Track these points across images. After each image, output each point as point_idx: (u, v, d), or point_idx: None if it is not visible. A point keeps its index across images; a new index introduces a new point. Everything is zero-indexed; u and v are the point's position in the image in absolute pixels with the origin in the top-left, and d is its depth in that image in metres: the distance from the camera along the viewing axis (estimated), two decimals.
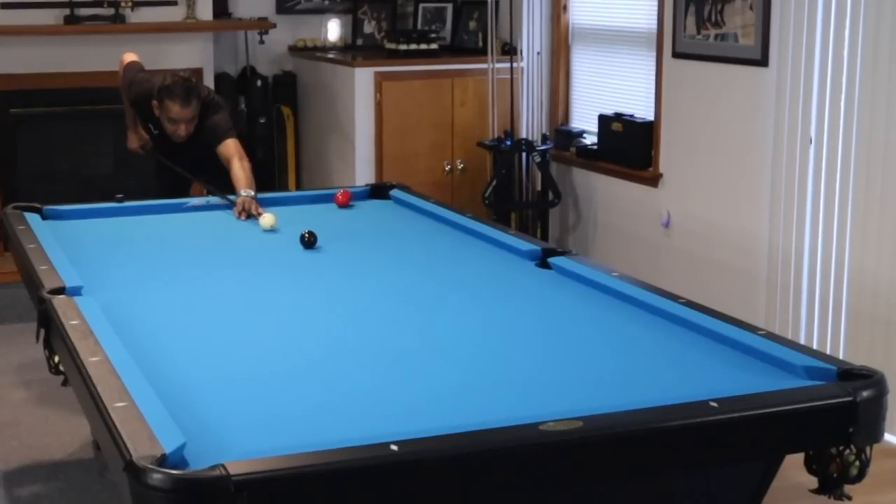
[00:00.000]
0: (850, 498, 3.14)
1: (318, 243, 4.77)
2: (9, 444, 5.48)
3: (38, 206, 5.33)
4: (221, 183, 5.80)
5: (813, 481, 3.13)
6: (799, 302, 5.95)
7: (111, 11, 8.05)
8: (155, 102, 6.03)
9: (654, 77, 7.04)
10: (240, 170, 5.78)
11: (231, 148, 5.98)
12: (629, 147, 7.26)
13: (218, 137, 6.04)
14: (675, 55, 6.80)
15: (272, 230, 5.09)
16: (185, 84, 6.02)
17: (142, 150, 6.57)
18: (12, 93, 8.07)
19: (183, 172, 6.23)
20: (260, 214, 5.29)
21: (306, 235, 4.75)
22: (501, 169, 7.76)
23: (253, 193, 5.56)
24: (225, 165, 5.92)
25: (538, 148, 7.74)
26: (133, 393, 3.01)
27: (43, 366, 3.94)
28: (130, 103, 6.46)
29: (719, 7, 6.40)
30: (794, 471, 3.21)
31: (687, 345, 3.57)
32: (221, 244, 5.01)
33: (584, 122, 7.96)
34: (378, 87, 8.00)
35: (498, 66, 7.86)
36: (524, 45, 7.85)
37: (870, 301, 5.54)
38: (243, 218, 5.36)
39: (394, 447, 2.66)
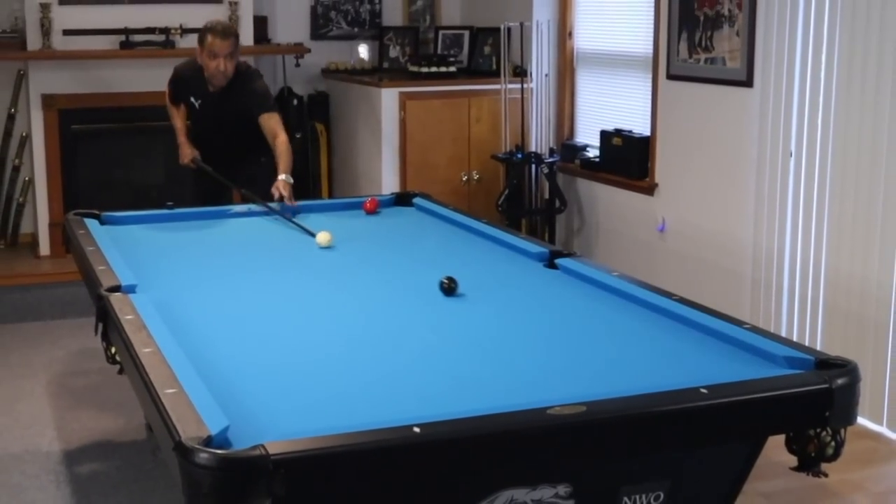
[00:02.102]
0: (826, 475, 3.15)
1: (369, 253, 4.76)
2: (70, 426, 5.50)
3: (97, 212, 5.33)
4: (258, 191, 5.84)
5: (793, 460, 3.14)
6: (780, 298, 5.94)
7: (162, 38, 8.06)
8: (198, 49, 6.21)
9: (650, 96, 7.03)
10: (284, 149, 5.96)
11: (274, 122, 6.13)
12: (628, 159, 7.25)
13: (263, 106, 6.19)
14: (669, 77, 6.79)
15: (328, 247, 4.85)
16: (223, 23, 6.37)
17: (192, 164, 6.58)
18: (73, 110, 8.07)
19: (224, 181, 6.27)
20: (293, 203, 5.42)
21: (445, 282, 4.06)
22: (513, 179, 7.76)
23: (291, 179, 5.76)
24: (268, 137, 6.06)
25: (546, 160, 7.74)
26: (182, 380, 3.02)
27: (101, 356, 3.95)
28: (173, 82, 6.59)
29: (709, 34, 6.39)
30: (776, 451, 3.20)
31: (680, 337, 3.57)
32: (261, 247, 5.01)
33: (588, 137, 7.95)
34: (402, 106, 8.00)
35: (510, 86, 7.86)
36: (533, 68, 7.85)
37: (844, 298, 5.53)
38: (276, 196, 5.51)
39: (416, 429, 2.67)
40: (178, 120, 6.57)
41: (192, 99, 6.41)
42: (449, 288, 4.02)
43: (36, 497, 4.73)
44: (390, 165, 8.05)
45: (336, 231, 4.92)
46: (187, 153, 6.54)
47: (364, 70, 8.86)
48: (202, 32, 6.16)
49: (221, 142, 6.39)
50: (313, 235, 4.90)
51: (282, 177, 5.64)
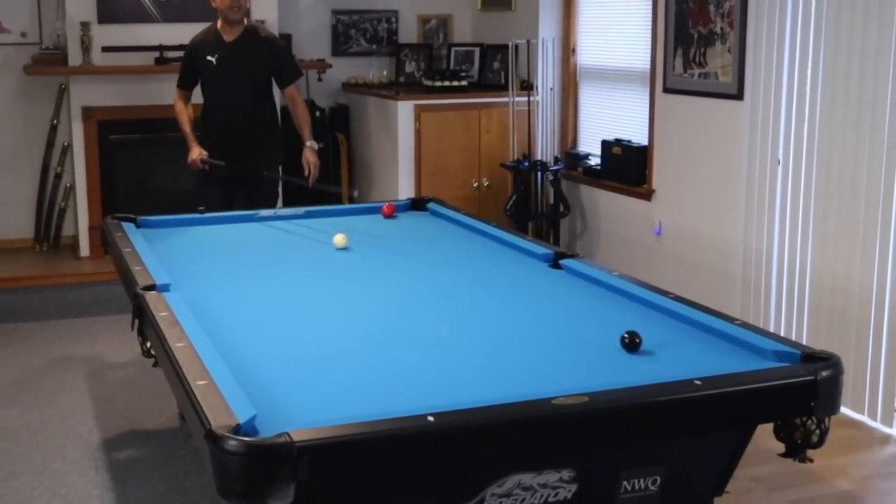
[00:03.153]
0: (811, 461, 3.14)
1: (386, 254, 4.77)
2: (108, 416, 5.51)
3: (133, 216, 5.33)
4: (265, 196, 5.99)
5: (781, 447, 3.13)
6: (769, 296, 5.93)
7: None
8: None
9: (647, 109, 7.03)
10: (306, 115, 6.56)
11: (296, 91, 6.62)
12: (627, 167, 7.25)
13: (293, 74, 6.64)
14: (666, 90, 6.79)
15: (345, 248, 4.84)
16: None
17: (200, 164, 6.54)
18: (111, 122, 8.08)
19: (236, 165, 6.34)
20: (315, 177, 6.11)
21: (627, 338, 3.37)
22: (520, 186, 7.76)
23: (317, 145, 6.39)
24: (289, 101, 6.59)
25: (551, 168, 7.74)
26: (212, 373, 3.03)
27: (137, 350, 3.96)
28: (186, 56, 6.68)
29: (702, 50, 6.39)
30: (764, 438, 3.20)
31: (675, 332, 3.57)
32: (285, 249, 5.01)
33: (590, 146, 7.95)
34: (417, 118, 8.01)
35: (517, 99, 7.87)
36: (539, 82, 7.85)
37: (828, 295, 5.52)
38: (307, 171, 6.20)
39: (430, 418, 2.68)
40: (186, 120, 6.57)
41: (209, 58, 6.45)
42: (632, 343, 3.35)
43: (77, 481, 4.74)
44: (406, 173, 8.06)
45: (356, 234, 4.93)
46: (196, 151, 6.51)
47: (381, 84, 8.87)
48: None
49: (237, 112, 6.46)
50: (340, 193, 4.86)
51: (309, 143, 6.11)
